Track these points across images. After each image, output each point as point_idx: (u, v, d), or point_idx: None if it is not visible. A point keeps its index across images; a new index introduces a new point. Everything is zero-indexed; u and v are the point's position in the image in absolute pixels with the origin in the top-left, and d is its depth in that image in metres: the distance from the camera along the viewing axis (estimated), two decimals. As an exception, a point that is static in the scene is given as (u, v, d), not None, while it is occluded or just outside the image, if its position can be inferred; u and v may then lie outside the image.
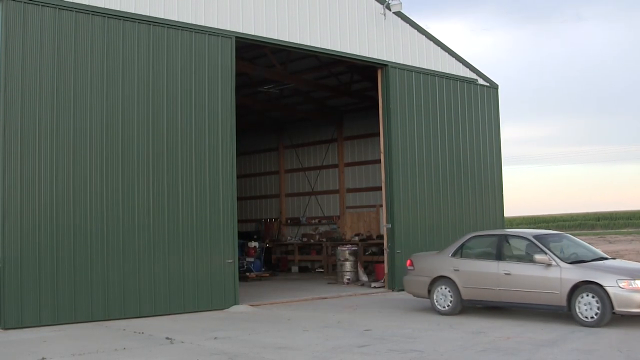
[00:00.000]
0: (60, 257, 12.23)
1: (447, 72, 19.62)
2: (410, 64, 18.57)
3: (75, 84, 12.64)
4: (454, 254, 13.42)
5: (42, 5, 12.32)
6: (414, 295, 14.27)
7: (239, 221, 15.60)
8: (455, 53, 19.92)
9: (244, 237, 23.56)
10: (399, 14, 18.39)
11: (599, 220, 72.07)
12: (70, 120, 12.55)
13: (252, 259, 22.76)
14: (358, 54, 17.46)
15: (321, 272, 24.41)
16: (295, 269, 25.38)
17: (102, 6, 13.01)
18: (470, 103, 20.18)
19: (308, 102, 25.31)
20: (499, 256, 12.72)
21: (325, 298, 16.48)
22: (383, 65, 18.04)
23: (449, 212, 19.19)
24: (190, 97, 14.11)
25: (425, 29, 19.19)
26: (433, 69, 19.20)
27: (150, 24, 13.62)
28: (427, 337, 10.58)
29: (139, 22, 13.46)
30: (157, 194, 13.50)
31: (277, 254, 26.72)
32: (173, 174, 13.75)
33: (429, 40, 19.29)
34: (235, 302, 14.34)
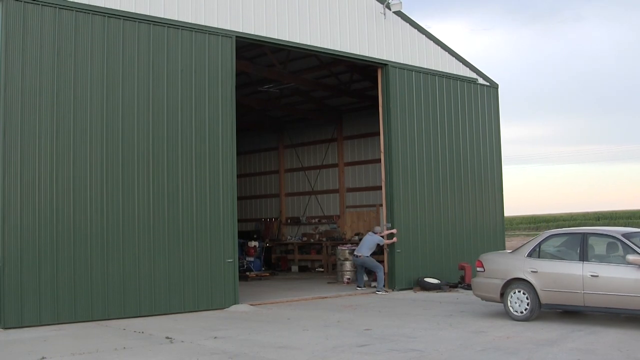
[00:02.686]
0: (60, 256, 12.23)
1: (447, 71, 19.61)
2: (410, 64, 18.56)
3: (75, 83, 12.63)
4: (530, 254, 12.20)
5: (42, 5, 12.31)
6: (483, 299, 13.12)
7: (239, 221, 15.60)
8: (455, 52, 19.91)
9: (244, 236, 23.58)
10: (399, 13, 18.39)
11: (598, 220, 71.93)
12: (71, 120, 12.55)
13: (252, 259, 22.79)
14: (358, 53, 17.46)
15: (321, 271, 24.41)
16: (295, 268, 25.38)
17: (102, 6, 13.00)
18: (470, 102, 20.18)
19: (308, 102, 25.31)
20: (584, 256, 11.53)
21: (325, 297, 16.47)
22: (383, 65, 18.03)
23: (449, 212, 19.19)
24: (190, 97, 14.10)
25: (426, 29, 19.21)
26: (433, 68, 19.20)
27: (150, 24, 13.61)
28: (427, 336, 10.56)
29: (139, 22, 13.46)
30: (157, 193, 13.49)
31: (277, 254, 26.72)
32: (173, 173, 13.75)
33: (429, 40, 19.29)
34: (235, 302, 14.34)
